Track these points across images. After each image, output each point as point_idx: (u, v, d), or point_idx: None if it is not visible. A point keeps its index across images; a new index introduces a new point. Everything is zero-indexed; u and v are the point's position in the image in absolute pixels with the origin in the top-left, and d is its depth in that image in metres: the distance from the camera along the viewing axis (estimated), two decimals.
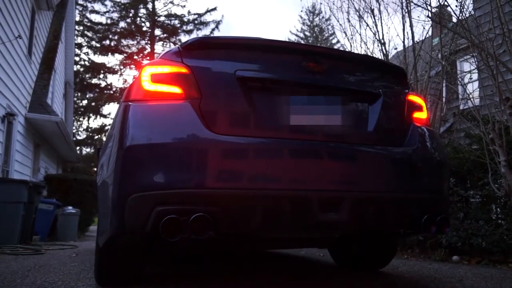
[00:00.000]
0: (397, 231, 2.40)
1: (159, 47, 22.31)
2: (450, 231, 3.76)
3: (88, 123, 22.83)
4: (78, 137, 22.24)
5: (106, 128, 21.54)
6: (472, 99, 4.27)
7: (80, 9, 21.11)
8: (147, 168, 1.77)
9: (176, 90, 1.90)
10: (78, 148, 20.49)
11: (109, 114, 22.63)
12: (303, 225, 1.93)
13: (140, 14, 22.32)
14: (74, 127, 20.36)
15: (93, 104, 22.38)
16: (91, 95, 22.43)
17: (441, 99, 5.10)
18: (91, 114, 22.45)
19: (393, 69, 2.48)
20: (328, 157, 1.96)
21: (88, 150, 23.07)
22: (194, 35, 21.30)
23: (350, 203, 1.92)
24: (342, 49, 2.84)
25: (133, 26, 22.14)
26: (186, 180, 1.74)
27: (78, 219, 8.90)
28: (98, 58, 22.42)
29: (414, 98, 2.39)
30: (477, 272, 3.06)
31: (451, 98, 6.09)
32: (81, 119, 22.68)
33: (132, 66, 22.29)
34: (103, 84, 22.38)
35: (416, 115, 2.34)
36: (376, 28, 5.67)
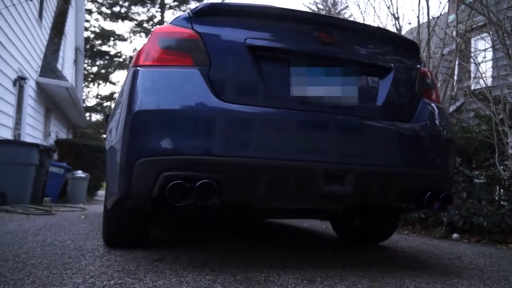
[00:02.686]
0: (400, 205, 2.43)
1: (169, 15, 22.05)
2: (453, 209, 3.79)
3: (98, 90, 22.93)
4: (88, 104, 22.41)
5: (115, 95, 21.60)
6: (484, 79, 4.20)
7: None
8: (155, 133, 1.80)
9: (185, 56, 1.91)
10: (87, 114, 20.66)
11: (118, 81, 22.70)
12: (307, 196, 1.98)
13: None
14: (84, 94, 20.46)
15: (103, 71, 22.41)
16: (101, 62, 22.41)
17: (453, 77, 5.03)
18: (100, 81, 22.51)
19: (406, 43, 2.45)
20: (336, 130, 1.98)
21: (97, 116, 23.27)
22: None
23: (355, 176, 1.95)
24: (355, 21, 2.77)
25: None
26: (193, 147, 1.77)
27: (87, 183, 9.09)
28: (108, 25, 22.28)
29: (425, 73, 2.36)
30: (476, 250, 3.11)
31: (463, 77, 5.98)
32: (91, 85, 22.77)
33: (142, 34, 22.12)
34: (113, 51, 22.34)
35: (427, 91, 2.32)
36: (391, 1, 5.53)
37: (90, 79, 22.19)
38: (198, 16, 1.98)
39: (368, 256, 2.63)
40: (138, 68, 1.94)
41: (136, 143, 1.82)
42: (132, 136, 1.84)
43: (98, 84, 22.65)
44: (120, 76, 26.32)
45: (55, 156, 9.28)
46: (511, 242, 3.42)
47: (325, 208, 2.46)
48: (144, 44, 2.02)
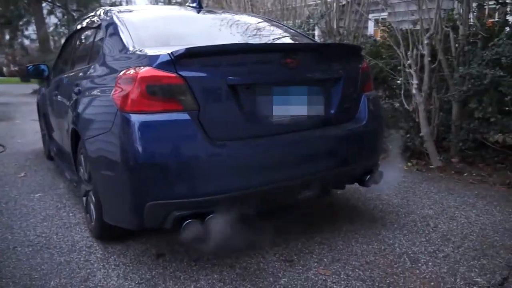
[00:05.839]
0: None
1: None
2: None
3: None
4: None
5: None
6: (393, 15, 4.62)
7: None
8: (158, 181, 2.03)
9: (175, 103, 2.04)
10: None
11: None
12: (285, 201, 2.56)
13: None
14: None
15: None
16: None
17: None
18: None
19: (352, 49, 2.85)
20: (307, 145, 2.40)
21: None
22: None
23: (323, 180, 2.50)
24: (314, 42, 3.03)
25: None
26: (197, 190, 2.07)
27: None
28: None
29: (365, 68, 2.78)
30: (388, 183, 3.74)
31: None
32: None
33: None
34: None
35: (366, 84, 2.77)
36: None
37: None
38: (180, 59, 2.04)
39: (317, 214, 3.14)
40: (130, 114, 2.03)
41: (141, 190, 2.05)
42: (135, 185, 2.06)
43: None
44: None
45: None
46: (410, 162, 4.40)
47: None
48: (130, 89, 2.06)
